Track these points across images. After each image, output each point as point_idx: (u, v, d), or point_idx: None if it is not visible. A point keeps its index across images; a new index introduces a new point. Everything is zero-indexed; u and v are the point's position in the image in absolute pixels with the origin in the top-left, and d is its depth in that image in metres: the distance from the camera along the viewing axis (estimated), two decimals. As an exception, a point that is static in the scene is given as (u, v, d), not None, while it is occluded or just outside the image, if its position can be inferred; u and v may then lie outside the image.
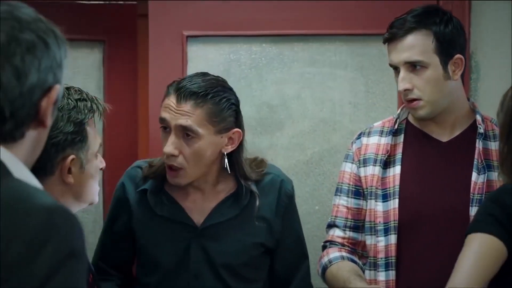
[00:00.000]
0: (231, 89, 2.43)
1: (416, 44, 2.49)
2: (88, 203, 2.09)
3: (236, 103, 2.42)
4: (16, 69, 1.34)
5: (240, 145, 2.44)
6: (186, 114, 2.33)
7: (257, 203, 2.45)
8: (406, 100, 2.53)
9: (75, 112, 1.99)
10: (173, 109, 2.34)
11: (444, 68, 2.51)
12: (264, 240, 2.48)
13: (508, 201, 2.00)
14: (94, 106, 2.04)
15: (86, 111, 2.01)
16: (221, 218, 2.45)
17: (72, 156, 1.97)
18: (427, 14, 2.53)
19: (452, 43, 2.52)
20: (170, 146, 2.35)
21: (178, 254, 2.43)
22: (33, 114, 1.37)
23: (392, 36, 2.52)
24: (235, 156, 2.45)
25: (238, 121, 2.42)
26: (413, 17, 2.52)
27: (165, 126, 2.38)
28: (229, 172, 2.45)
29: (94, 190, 2.08)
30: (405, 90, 2.50)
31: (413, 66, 2.49)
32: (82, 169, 2.01)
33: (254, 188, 2.47)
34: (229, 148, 2.41)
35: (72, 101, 1.99)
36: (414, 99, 2.51)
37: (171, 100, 2.36)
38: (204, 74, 2.43)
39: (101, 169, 2.10)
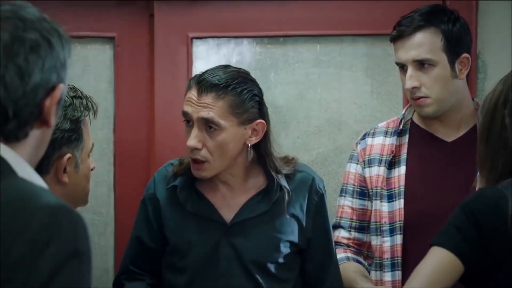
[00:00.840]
0: (253, 81, 2.41)
1: (425, 42, 2.49)
2: (80, 205, 2.05)
3: (259, 94, 2.39)
4: (20, 68, 1.34)
5: (266, 137, 2.41)
6: (208, 106, 2.31)
7: (286, 198, 2.42)
8: (413, 98, 2.52)
9: (71, 109, 1.95)
10: (195, 102, 2.33)
11: (451, 66, 2.51)
12: (295, 239, 2.45)
13: (479, 208, 2.01)
14: (89, 104, 2.01)
15: (82, 108, 1.98)
16: (251, 214, 2.42)
17: (68, 155, 1.94)
18: (435, 12, 2.53)
19: (459, 42, 2.52)
20: (193, 139, 2.33)
21: (207, 252, 2.41)
22: (37, 114, 1.37)
23: (400, 34, 2.51)
24: (263, 148, 2.42)
25: (261, 112, 2.39)
26: (421, 15, 2.51)
27: (188, 120, 2.36)
28: (257, 161, 2.43)
29: (87, 191, 2.05)
30: (413, 88, 2.49)
31: (421, 64, 2.49)
32: (77, 168, 1.98)
33: (284, 183, 2.44)
34: (253, 140, 2.39)
35: (68, 98, 1.95)
36: (421, 97, 2.51)
37: (193, 93, 2.34)
38: (226, 66, 2.42)
39: (91, 169, 2.07)
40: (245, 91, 2.35)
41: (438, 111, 2.53)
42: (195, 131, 2.34)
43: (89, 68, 3.27)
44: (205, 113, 2.32)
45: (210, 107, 2.32)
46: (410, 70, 2.50)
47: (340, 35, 3.27)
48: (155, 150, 3.24)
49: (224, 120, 2.32)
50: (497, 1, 3.17)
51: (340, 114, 3.28)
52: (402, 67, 2.53)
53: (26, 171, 1.36)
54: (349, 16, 3.24)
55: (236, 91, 2.33)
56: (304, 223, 2.46)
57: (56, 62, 1.38)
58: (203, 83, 2.33)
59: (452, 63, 2.51)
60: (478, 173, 2.18)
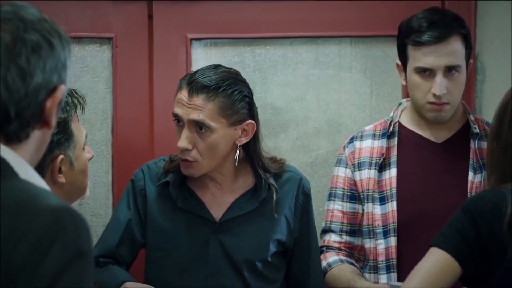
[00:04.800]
0: (244, 81, 2.44)
1: (458, 49, 2.48)
2: (79, 198, 2.08)
3: (249, 95, 2.42)
4: (21, 69, 1.34)
5: (255, 137, 2.44)
6: (198, 108, 2.34)
7: (275, 197, 2.45)
8: (436, 103, 2.51)
9: None
10: (185, 103, 2.35)
11: (467, 71, 2.52)
12: (283, 238, 2.48)
13: (478, 210, 2.03)
14: (75, 101, 2.03)
15: (68, 108, 1.99)
16: (240, 212, 2.45)
17: (61, 157, 1.97)
18: (453, 18, 2.52)
19: (471, 47, 2.54)
20: (184, 140, 2.36)
21: (196, 249, 2.43)
22: (38, 115, 1.37)
23: (431, 40, 2.47)
24: (252, 147, 2.45)
25: (251, 113, 2.42)
26: (445, 20, 2.49)
27: (179, 120, 2.39)
28: (246, 160, 2.46)
29: (85, 185, 2.08)
30: (444, 94, 2.49)
31: (449, 70, 2.48)
32: (72, 166, 2.00)
33: (272, 181, 2.46)
34: (243, 140, 2.42)
35: None
36: (444, 103, 2.51)
37: (183, 94, 2.37)
38: (217, 66, 2.44)
39: (90, 159, 2.09)
40: (236, 92, 2.37)
41: (450, 115, 2.54)
42: (185, 133, 2.36)
43: (87, 69, 3.26)
44: (196, 115, 2.34)
45: (201, 109, 2.34)
46: (440, 77, 2.48)
47: (339, 37, 3.27)
48: (154, 151, 3.23)
49: (214, 122, 2.34)
50: (496, 2, 3.17)
51: (339, 115, 3.28)
52: (424, 71, 2.51)
53: (27, 172, 1.36)
54: (349, 18, 3.24)
55: (226, 92, 2.35)
56: (291, 222, 2.48)
57: (57, 63, 1.38)
58: (194, 84, 2.35)
59: (467, 68, 2.53)
60: (486, 175, 2.18)
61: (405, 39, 2.53)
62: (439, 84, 2.47)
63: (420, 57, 2.50)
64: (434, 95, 2.49)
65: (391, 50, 3.15)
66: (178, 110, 2.37)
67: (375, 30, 3.23)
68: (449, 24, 2.49)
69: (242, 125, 2.39)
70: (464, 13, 2.97)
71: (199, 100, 2.34)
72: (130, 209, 2.49)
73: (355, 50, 3.28)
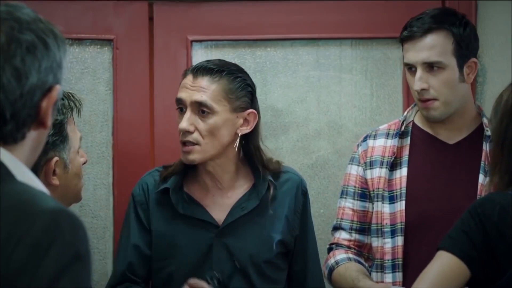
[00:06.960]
0: (247, 74, 2.49)
1: (436, 45, 2.49)
2: (73, 202, 2.09)
3: (252, 86, 2.46)
4: (17, 70, 1.33)
5: (256, 130, 2.46)
6: (202, 90, 2.37)
7: (271, 191, 2.45)
8: (421, 100, 2.52)
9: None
10: (189, 86, 2.39)
11: (460, 70, 2.51)
12: (285, 238, 2.49)
13: (486, 212, 2.01)
14: (72, 104, 2.04)
15: (64, 110, 2.00)
16: (242, 212, 2.45)
17: (55, 158, 1.98)
18: (446, 15, 2.54)
19: (469, 46, 2.53)
20: (185, 122, 2.38)
21: (200, 254, 2.43)
22: (34, 115, 1.37)
23: (411, 35, 2.50)
24: (252, 141, 2.47)
25: (253, 104, 2.45)
26: (432, 17, 2.51)
27: (181, 107, 2.41)
28: (246, 160, 2.47)
29: (79, 188, 2.08)
30: (422, 90, 2.49)
31: (431, 66, 2.49)
32: (66, 169, 2.01)
33: (270, 178, 2.47)
34: (245, 129, 2.43)
35: None
36: (429, 99, 2.51)
37: (188, 79, 2.41)
38: (221, 60, 2.51)
39: (84, 163, 2.09)
40: (239, 79, 2.42)
41: (444, 114, 2.54)
42: (187, 114, 2.39)
43: (88, 70, 3.26)
44: (199, 96, 2.37)
45: (204, 90, 2.37)
46: (419, 72, 2.49)
47: (340, 38, 3.27)
48: (155, 153, 3.23)
49: (217, 104, 2.38)
50: (496, 4, 3.16)
51: (340, 117, 3.27)
52: (411, 68, 2.53)
53: (24, 174, 1.36)
54: (349, 19, 3.24)
55: (230, 77, 2.40)
56: (291, 222, 2.49)
57: (52, 63, 1.38)
58: (199, 67, 2.41)
59: (460, 67, 2.51)
60: (488, 177, 2.17)
61: (400, 36, 2.57)
62: (416, 80, 2.49)
63: (404, 54, 2.55)
64: (416, 91, 2.52)
65: (392, 52, 3.15)
66: (181, 94, 2.40)
67: (375, 32, 3.23)
68: (435, 20, 2.50)
69: (244, 113, 2.42)
70: (464, 15, 2.96)
71: (203, 81, 2.38)
72: (136, 228, 2.49)
73: (355, 52, 3.28)
